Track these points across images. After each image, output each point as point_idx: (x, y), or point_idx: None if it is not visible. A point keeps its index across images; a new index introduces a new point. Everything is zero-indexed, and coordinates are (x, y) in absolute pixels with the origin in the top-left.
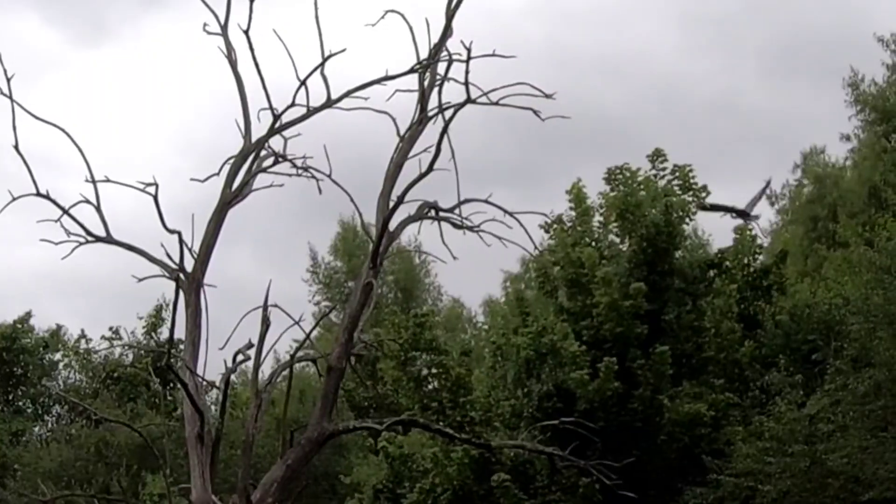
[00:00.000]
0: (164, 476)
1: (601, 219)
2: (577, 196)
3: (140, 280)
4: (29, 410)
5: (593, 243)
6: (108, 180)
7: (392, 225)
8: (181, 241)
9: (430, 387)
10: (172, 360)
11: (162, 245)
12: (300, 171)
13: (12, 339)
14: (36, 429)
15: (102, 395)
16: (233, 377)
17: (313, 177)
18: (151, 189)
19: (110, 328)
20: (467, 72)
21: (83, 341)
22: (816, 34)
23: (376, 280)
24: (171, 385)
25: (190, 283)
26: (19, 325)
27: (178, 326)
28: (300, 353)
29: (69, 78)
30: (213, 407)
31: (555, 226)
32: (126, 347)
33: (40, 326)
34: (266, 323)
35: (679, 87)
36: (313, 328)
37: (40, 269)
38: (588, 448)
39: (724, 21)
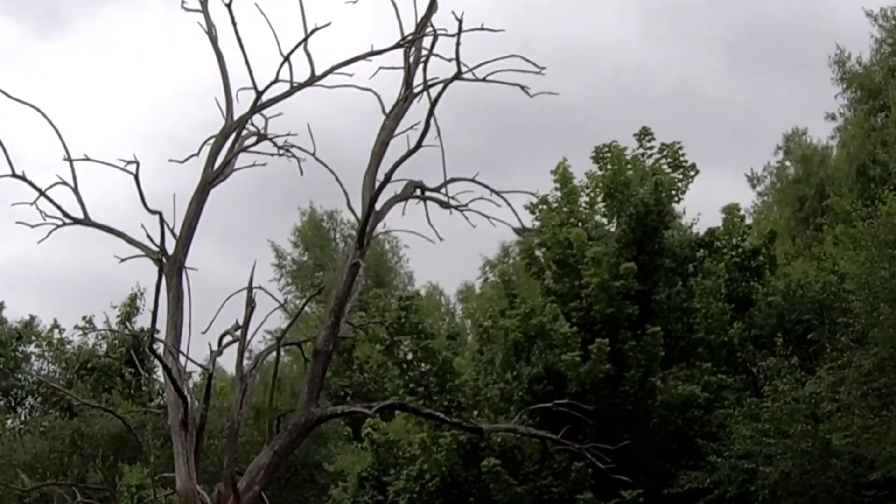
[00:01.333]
0: (149, 464)
1: (587, 199)
2: (562, 176)
3: (122, 260)
4: (1, 403)
5: (580, 224)
6: (87, 158)
7: (378, 204)
8: (162, 222)
9: (416, 372)
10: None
11: (142, 226)
12: (281, 151)
13: None
14: (8, 421)
15: (77, 386)
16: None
17: (294, 157)
18: (132, 167)
19: (84, 317)
20: (458, 44)
21: (56, 331)
22: (777, 23)
23: (363, 260)
24: (147, 375)
25: (171, 265)
26: None
27: (159, 310)
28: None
29: (32, 67)
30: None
31: (540, 206)
32: (100, 337)
33: (12, 318)
34: (251, 305)
35: (641, 77)
36: (300, 310)
37: (9, 261)
38: (579, 432)
39: (684, 11)
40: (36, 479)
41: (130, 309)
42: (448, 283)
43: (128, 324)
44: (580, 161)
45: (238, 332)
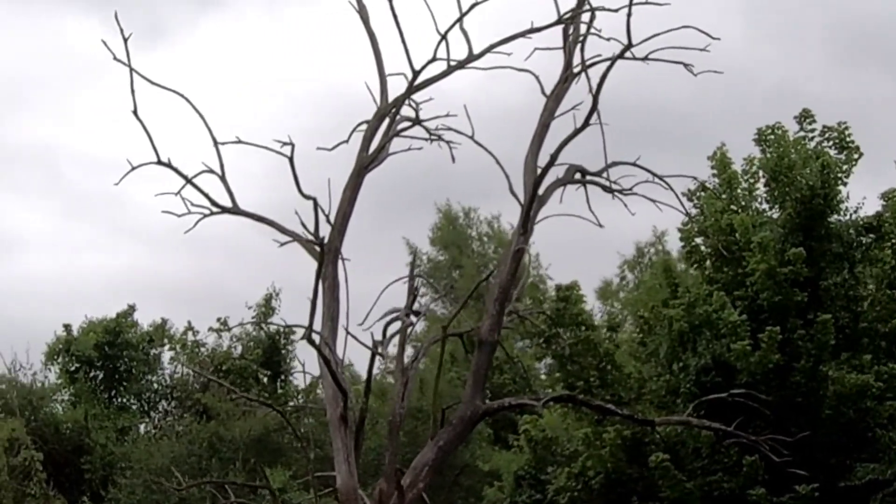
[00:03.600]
0: (308, 461)
1: (746, 185)
2: (720, 162)
3: (281, 245)
4: (134, 407)
5: (739, 210)
6: (239, 141)
7: (540, 189)
8: (316, 208)
9: (576, 365)
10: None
11: (296, 213)
12: (432, 137)
13: (116, 334)
14: (142, 426)
15: (212, 389)
16: (347, 358)
17: (448, 142)
18: (287, 150)
19: (218, 319)
20: (629, 14)
21: (190, 333)
22: (881, 19)
23: (527, 246)
24: (282, 378)
25: (327, 253)
26: (122, 320)
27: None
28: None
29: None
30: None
31: (699, 193)
32: (235, 339)
33: (144, 321)
34: (413, 294)
35: (743, 76)
36: (467, 297)
37: (139, 263)
38: (749, 425)
39: (787, 9)
40: (174, 483)
41: (266, 309)
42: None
43: (263, 325)
44: (680, 162)
45: (405, 318)
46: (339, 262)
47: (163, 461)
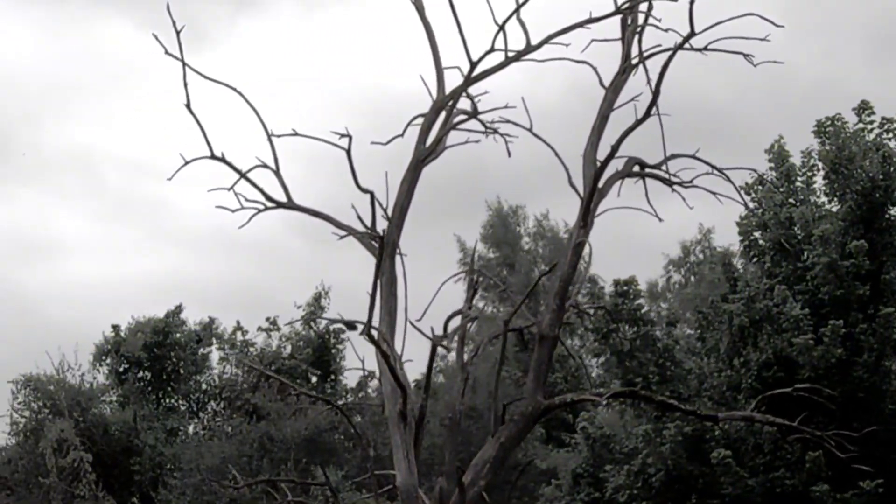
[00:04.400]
0: (369, 457)
1: (804, 178)
2: (778, 154)
3: (341, 237)
4: (182, 407)
5: (798, 203)
6: (295, 133)
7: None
8: (373, 201)
9: (635, 361)
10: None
11: (353, 206)
12: (488, 131)
13: (164, 334)
14: (191, 427)
15: (262, 389)
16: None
17: (504, 135)
18: (344, 142)
19: (267, 318)
20: (692, 1)
21: (239, 333)
22: None
23: (587, 239)
24: (332, 377)
25: (385, 247)
26: (171, 319)
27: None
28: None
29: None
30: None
31: (755, 187)
32: (284, 339)
33: (192, 320)
34: (473, 287)
35: (782, 72)
36: (528, 294)
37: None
38: (811, 420)
39: (825, 3)
40: (226, 484)
41: (315, 308)
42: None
43: (312, 324)
44: (722, 156)
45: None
46: (397, 257)
47: (213, 462)
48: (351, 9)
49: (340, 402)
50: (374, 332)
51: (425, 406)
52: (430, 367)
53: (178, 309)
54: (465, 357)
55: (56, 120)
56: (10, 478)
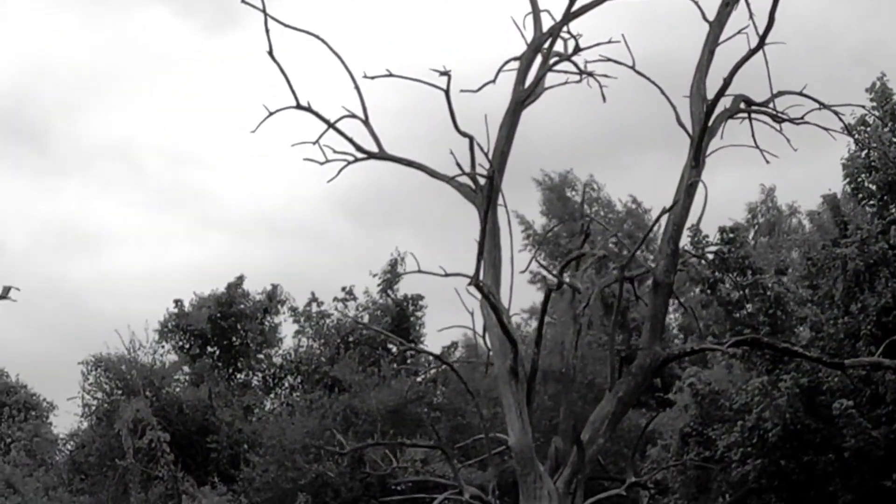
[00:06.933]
0: (482, 423)
1: None
2: (881, 93)
3: (452, 177)
4: (255, 383)
5: None
6: (390, 74)
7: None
8: (472, 146)
9: (744, 311)
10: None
11: (451, 152)
12: (584, 73)
13: (228, 305)
14: (267, 403)
15: (343, 360)
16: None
17: (599, 79)
18: (442, 82)
19: (343, 288)
20: None
21: (314, 305)
22: None
23: (700, 178)
24: (413, 343)
25: (484, 196)
26: (234, 290)
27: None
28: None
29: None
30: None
31: (858, 128)
32: (361, 309)
33: (254, 290)
34: (586, 233)
35: (824, 34)
36: (644, 239)
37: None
38: None
39: None
40: (310, 458)
41: (391, 276)
42: None
43: (389, 292)
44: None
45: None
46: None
47: (295, 436)
48: None
49: (422, 376)
50: (482, 285)
51: (537, 360)
52: (541, 317)
53: (240, 280)
54: (577, 308)
55: (95, 111)
56: (84, 461)
